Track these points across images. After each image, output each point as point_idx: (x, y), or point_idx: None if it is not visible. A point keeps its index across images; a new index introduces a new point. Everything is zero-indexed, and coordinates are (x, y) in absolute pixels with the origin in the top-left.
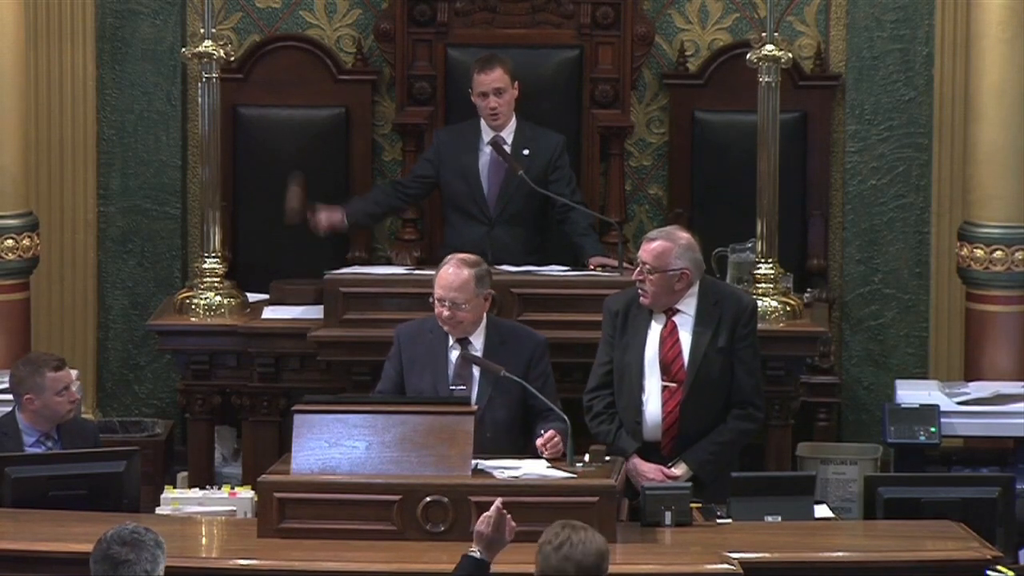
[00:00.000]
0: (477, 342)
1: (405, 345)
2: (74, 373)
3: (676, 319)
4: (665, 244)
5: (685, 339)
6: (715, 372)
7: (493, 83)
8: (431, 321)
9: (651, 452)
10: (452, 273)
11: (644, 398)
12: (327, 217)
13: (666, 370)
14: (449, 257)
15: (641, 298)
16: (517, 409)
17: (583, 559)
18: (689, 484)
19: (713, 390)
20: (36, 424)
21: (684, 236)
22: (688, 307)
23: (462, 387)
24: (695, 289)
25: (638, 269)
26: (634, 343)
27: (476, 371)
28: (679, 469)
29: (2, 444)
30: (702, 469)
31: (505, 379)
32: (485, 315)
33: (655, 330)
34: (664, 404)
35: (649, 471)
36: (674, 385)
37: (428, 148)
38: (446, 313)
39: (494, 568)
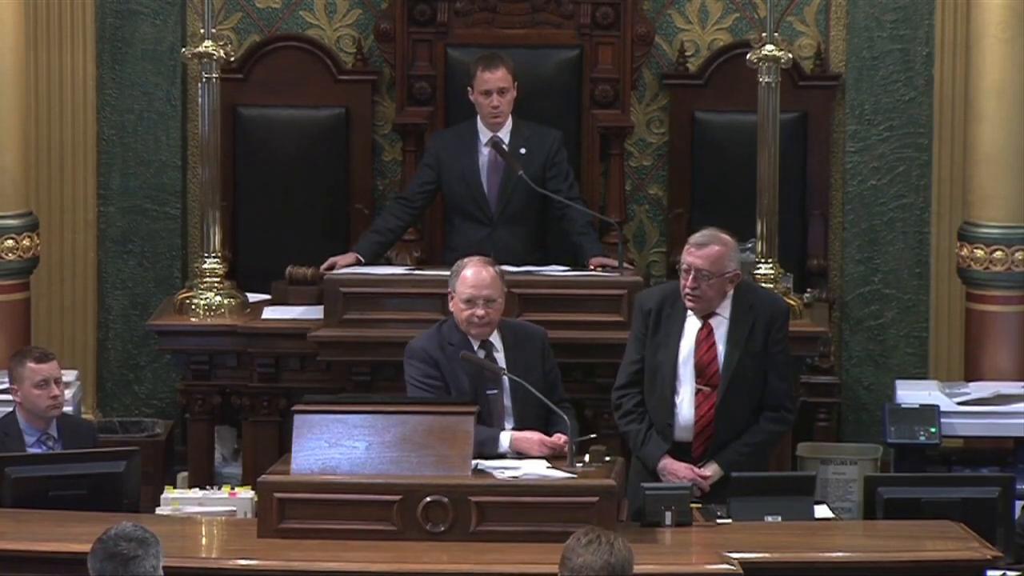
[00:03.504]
0: (496, 343)
1: (442, 362)
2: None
3: (712, 322)
4: (720, 248)
5: (721, 342)
6: (749, 376)
7: (498, 82)
8: (444, 331)
9: (681, 453)
10: (480, 272)
11: (677, 400)
12: (342, 263)
13: (701, 373)
14: (464, 261)
15: (690, 305)
16: (541, 403)
17: (611, 559)
18: (690, 485)
19: (746, 394)
20: (33, 422)
21: (729, 238)
22: (723, 310)
23: (494, 391)
24: (730, 292)
25: (692, 276)
26: (667, 343)
27: None
28: (710, 469)
29: (4, 444)
30: (733, 469)
31: (524, 377)
32: None
33: (691, 332)
34: (698, 407)
35: (680, 470)
36: (708, 388)
37: (426, 154)
38: (481, 312)
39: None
